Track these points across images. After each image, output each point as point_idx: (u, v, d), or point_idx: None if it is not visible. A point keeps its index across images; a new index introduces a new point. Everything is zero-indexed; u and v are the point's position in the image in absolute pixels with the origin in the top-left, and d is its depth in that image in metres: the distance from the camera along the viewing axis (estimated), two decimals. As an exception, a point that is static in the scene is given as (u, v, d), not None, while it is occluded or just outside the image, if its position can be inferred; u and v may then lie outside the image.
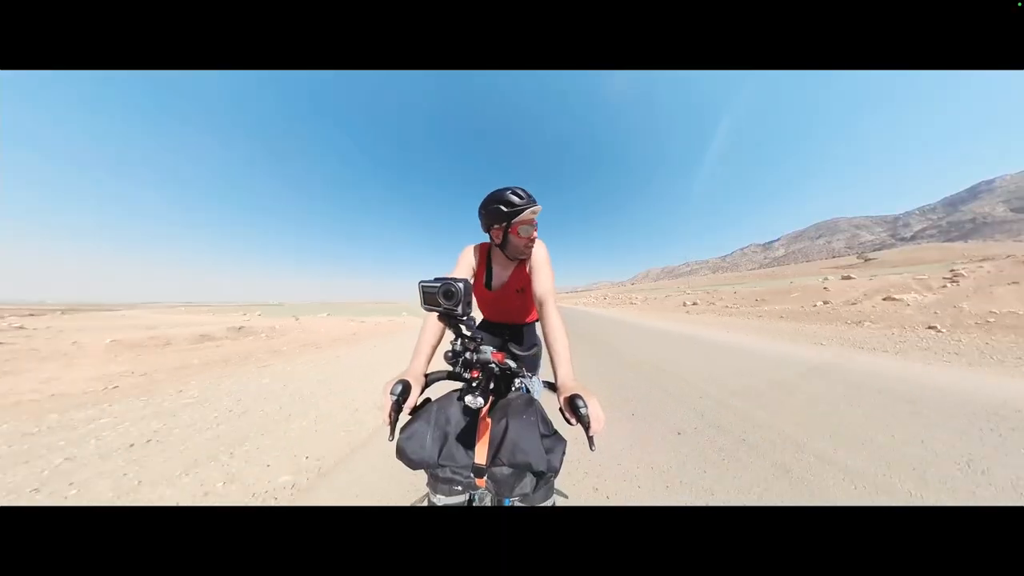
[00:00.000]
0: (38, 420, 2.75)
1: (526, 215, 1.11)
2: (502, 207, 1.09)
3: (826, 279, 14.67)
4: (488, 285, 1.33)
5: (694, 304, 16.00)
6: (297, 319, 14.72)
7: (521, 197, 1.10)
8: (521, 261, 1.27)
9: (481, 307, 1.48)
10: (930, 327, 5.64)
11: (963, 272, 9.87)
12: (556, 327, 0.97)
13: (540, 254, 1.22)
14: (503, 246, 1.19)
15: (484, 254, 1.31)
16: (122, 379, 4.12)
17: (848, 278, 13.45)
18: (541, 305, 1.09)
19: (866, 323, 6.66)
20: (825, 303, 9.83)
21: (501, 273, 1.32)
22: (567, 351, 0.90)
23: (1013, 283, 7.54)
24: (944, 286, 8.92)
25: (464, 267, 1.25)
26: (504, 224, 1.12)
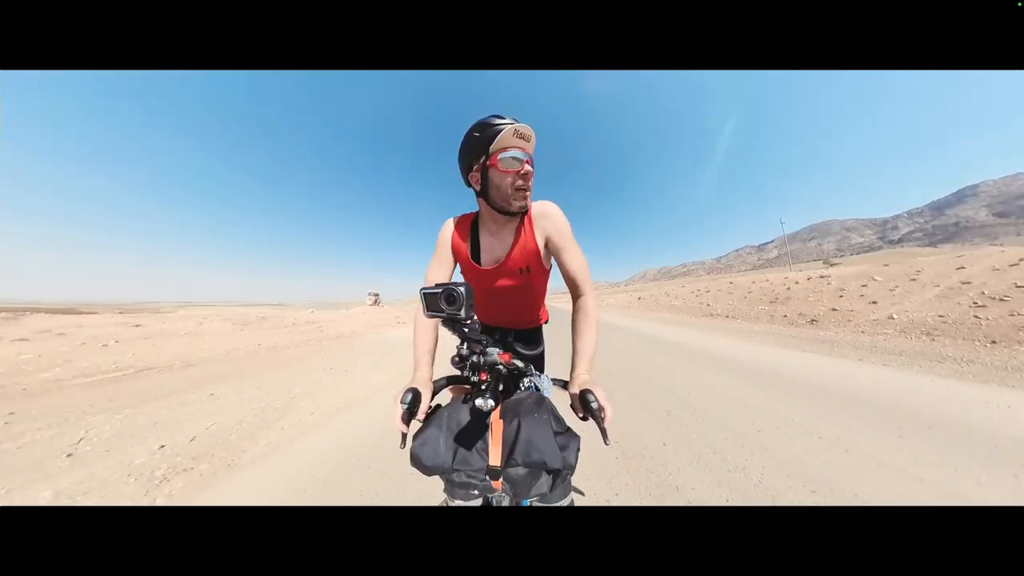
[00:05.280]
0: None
1: (506, 136, 0.81)
2: (476, 132, 0.84)
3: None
4: (476, 258, 1.01)
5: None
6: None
7: (503, 118, 0.83)
8: (521, 223, 0.96)
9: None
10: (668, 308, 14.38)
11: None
12: (592, 320, 0.87)
13: (562, 222, 0.96)
14: (485, 192, 0.89)
15: (468, 223, 1.03)
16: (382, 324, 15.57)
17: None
18: (578, 294, 0.94)
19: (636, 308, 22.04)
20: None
21: (495, 242, 1.00)
22: (593, 350, 0.85)
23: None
24: (697, 294, 17.05)
25: (443, 249, 1.02)
26: (483, 159, 0.85)
